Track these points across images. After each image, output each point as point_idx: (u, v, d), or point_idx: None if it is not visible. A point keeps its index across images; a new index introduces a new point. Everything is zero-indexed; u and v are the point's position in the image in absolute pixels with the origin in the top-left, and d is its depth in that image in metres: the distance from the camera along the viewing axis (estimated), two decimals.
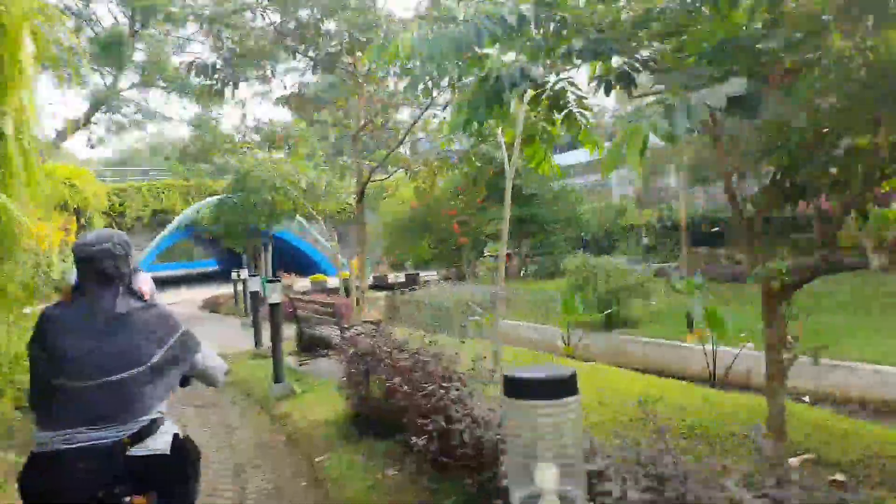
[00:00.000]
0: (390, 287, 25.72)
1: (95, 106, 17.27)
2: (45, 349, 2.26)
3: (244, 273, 14.36)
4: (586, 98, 6.23)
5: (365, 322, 8.34)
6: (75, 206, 26.96)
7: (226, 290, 23.90)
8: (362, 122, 9.75)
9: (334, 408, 5.85)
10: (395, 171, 10.38)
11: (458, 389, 4.23)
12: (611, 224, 22.33)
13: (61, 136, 17.03)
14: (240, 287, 20.01)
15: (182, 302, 23.23)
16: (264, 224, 19.09)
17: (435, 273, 25.67)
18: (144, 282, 2.71)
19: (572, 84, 5.98)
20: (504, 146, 7.26)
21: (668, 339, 11.50)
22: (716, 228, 20.63)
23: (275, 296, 6.96)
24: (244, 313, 14.96)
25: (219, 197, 22.08)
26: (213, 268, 51.80)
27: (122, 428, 2.21)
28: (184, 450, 2.39)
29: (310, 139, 14.87)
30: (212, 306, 19.97)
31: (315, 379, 7.69)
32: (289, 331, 12.96)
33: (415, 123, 9.35)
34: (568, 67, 5.86)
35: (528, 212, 21.44)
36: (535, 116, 6.20)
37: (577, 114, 6.16)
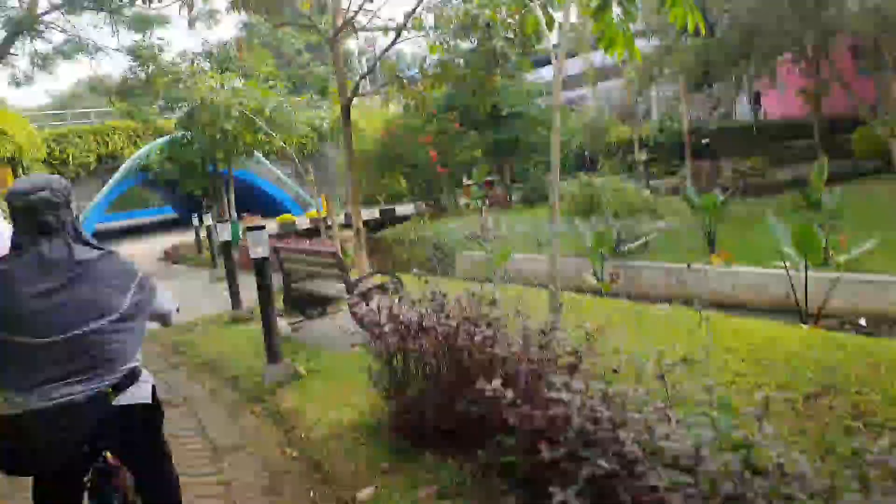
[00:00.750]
0: (364, 225, 23.76)
1: (13, 33, 14.44)
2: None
3: (208, 219, 12.21)
4: None
5: (374, 273, 6.49)
6: (9, 156, 23.97)
7: (186, 237, 21.64)
8: (340, 22, 7.63)
9: (361, 400, 4.09)
10: (383, 86, 8.27)
11: (602, 393, 2.49)
12: (595, 143, 20.53)
13: None
14: (203, 234, 17.85)
15: (140, 254, 20.93)
16: (223, 162, 16.83)
17: (412, 208, 23.73)
18: None
19: None
20: (557, 28, 5.31)
21: (690, 264, 9.99)
22: (706, 140, 19.07)
23: (260, 249, 5.04)
24: (212, 264, 12.91)
25: (169, 136, 19.54)
26: (169, 215, 48.65)
27: (102, 380, 2.13)
28: (158, 401, 2.33)
29: (269, 59, 12.55)
30: (173, 257, 17.79)
31: (318, 349, 5.88)
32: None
33: (411, 14, 7.27)
34: None
35: (508, 135, 19.48)
36: None
37: None
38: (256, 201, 28.06)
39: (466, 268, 12.47)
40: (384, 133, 20.03)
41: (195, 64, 15.49)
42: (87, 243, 2.22)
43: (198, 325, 8.16)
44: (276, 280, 9.99)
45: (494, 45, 7.02)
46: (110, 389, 2.12)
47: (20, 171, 25.48)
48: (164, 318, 2.54)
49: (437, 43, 8.06)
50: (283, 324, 7.33)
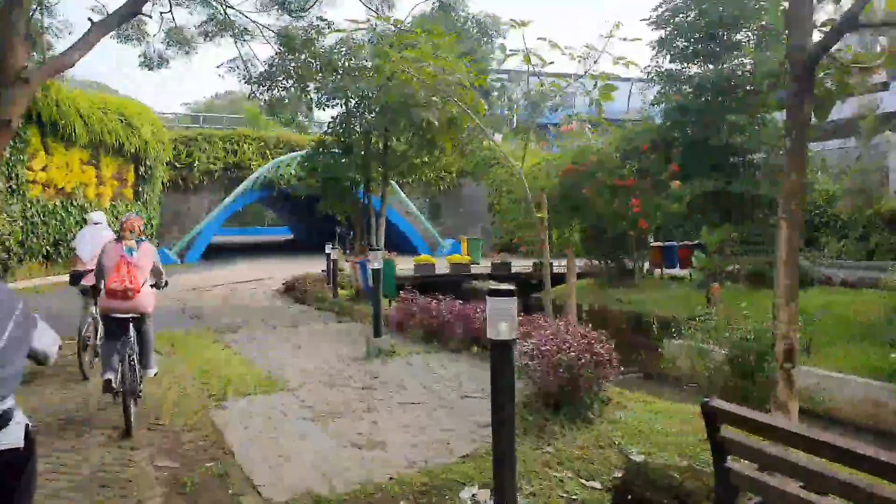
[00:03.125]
0: (515, 278, 18.92)
1: None
2: None
3: (376, 258, 7.43)
4: None
5: None
6: (133, 151, 20.91)
7: (309, 267, 17.53)
8: None
9: None
10: None
11: None
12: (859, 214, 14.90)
13: (97, 31, 10.55)
14: (343, 268, 13.55)
15: (255, 283, 16.90)
16: (378, 181, 12.52)
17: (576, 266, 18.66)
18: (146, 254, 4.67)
19: None
20: None
21: None
22: None
23: None
24: (373, 328, 8.23)
25: (311, 148, 15.55)
26: (284, 236, 45.80)
27: None
28: (33, 444, 2.08)
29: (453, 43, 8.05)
30: (297, 294, 13.49)
31: None
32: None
33: None
34: None
35: (739, 188, 14.19)
36: None
37: None
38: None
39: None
40: (568, 171, 15.18)
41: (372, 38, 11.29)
42: None
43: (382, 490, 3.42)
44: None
45: None
46: None
47: (142, 169, 22.49)
48: (40, 358, 2.20)
49: None
50: None
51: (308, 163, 12.76)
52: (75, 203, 17.30)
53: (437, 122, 6.92)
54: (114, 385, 4.73)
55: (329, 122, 12.67)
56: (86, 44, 10.74)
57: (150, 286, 5.15)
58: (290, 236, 45.16)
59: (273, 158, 24.47)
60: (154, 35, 14.08)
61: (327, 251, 14.78)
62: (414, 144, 11.40)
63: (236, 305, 12.44)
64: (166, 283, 5.47)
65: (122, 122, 19.20)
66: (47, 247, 16.14)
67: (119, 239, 5.07)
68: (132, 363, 4.80)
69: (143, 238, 5.30)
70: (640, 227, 14.51)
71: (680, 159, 14.39)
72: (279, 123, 14.30)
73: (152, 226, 22.18)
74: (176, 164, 23.94)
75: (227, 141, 25.06)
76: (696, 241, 16.94)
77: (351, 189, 13.00)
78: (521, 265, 19.38)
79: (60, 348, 2.31)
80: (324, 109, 12.61)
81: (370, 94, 11.29)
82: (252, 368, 6.93)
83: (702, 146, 14.38)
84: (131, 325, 4.91)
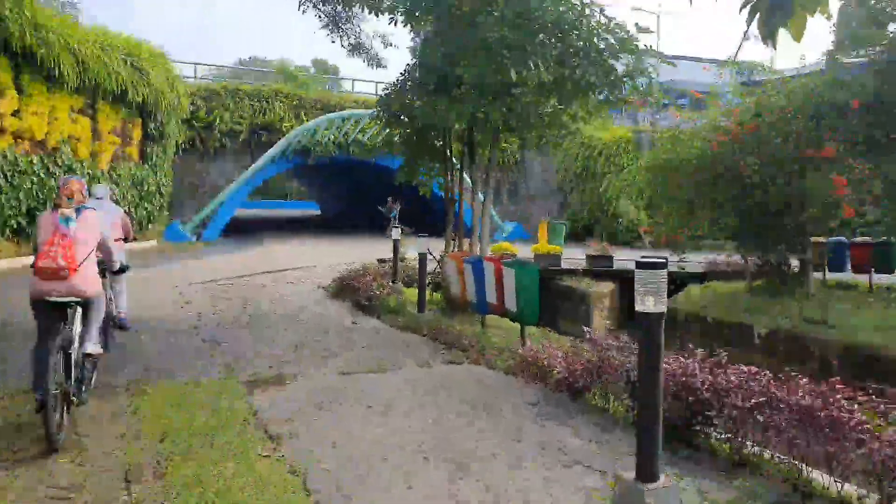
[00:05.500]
0: (621, 276, 14.30)
1: None
2: None
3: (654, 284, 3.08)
4: None
5: None
6: (140, 102, 16.46)
7: (355, 253, 13.23)
8: None
9: None
10: None
11: None
12: None
13: None
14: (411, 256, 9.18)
15: (294, 272, 12.46)
16: (488, 131, 8.04)
17: (697, 261, 14.10)
18: (87, 225, 3.86)
19: None
20: None
21: None
22: None
23: None
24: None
25: (384, 92, 10.98)
26: (313, 212, 41.20)
27: None
28: None
29: None
30: (359, 297, 9.02)
31: None
32: None
33: None
34: None
35: None
36: None
37: None
38: (426, 218, 18.95)
39: None
40: (734, 135, 10.57)
41: None
42: None
43: None
44: None
45: None
46: None
47: (152, 124, 18.03)
48: None
49: None
50: None
51: (391, 105, 8.16)
52: (60, 162, 12.90)
53: None
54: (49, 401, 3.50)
55: (419, 48, 8.10)
56: None
57: (101, 269, 4.22)
58: (318, 212, 40.76)
59: (309, 121, 19.97)
60: None
61: (394, 236, 10.46)
62: (559, 81, 6.93)
63: (275, 317, 8.06)
64: (123, 269, 4.96)
65: (126, 63, 14.72)
66: (19, 218, 11.80)
67: (55, 207, 3.94)
68: (70, 359, 3.78)
69: (87, 205, 4.13)
70: (844, 215, 9.94)
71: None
72: (351, 54, 9.33)
73: (162, 195, 17.77)
74: (194, 122, 19.47)
75: (256, 98, 20.57)
76: (880, 239, 12.38)
77: (444, 149, 8.49)
78: (623, 258, 14.84)
79: None
80: (411, 26, 7.98)
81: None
82: None
83: None
84: (70, 311, 3.85)
